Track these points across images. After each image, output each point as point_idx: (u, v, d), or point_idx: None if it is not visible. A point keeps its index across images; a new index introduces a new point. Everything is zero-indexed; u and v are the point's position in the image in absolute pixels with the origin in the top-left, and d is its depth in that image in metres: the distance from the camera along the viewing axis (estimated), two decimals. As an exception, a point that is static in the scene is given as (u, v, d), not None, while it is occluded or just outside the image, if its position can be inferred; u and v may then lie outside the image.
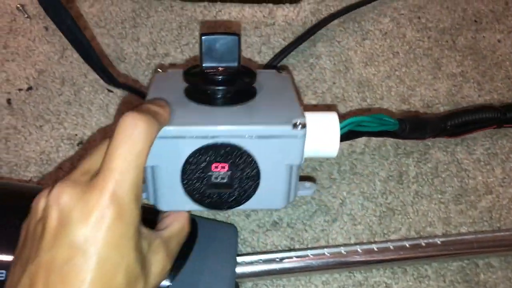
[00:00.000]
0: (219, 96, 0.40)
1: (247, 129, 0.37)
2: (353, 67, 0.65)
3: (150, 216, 0.40)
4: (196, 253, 0.48)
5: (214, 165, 0.38)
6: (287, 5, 0.68)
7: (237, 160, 0.38)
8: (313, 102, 0.62)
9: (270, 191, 0.40)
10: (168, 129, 0.36)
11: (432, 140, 0.61)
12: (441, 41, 0.67)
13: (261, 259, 0.52)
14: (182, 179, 0.39)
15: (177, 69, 0.46)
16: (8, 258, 0.40)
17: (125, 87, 0.53)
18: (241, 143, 0.37)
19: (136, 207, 0.33)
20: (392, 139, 0.60)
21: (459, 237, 0.55)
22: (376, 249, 0.53)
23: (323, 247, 0.54)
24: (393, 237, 0.56)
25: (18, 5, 0.67)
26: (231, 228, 0.53)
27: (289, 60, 0.65)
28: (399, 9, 0.69)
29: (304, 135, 0.38)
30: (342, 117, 0.48)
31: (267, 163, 0.39)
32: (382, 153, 0.60)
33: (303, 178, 0.57)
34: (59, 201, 0.32)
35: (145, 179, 0.40)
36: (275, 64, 0.63)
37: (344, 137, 0.44)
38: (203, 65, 0.40)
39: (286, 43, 0.66)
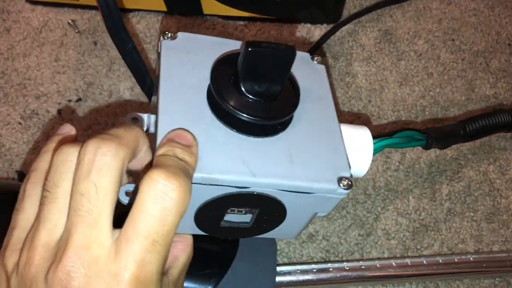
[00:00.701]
0: (255, 127, 0.33)
1: (286, 184, 0.31)
2: (388, 87, 0.67)
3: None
4: (237, 262, 0.50)
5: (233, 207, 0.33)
6: (325, 25, 0.71)
7: (264, 208, 0.34)
8: (349, 119, 0.64)
9: (287, 229, 0.37)
10: (195, 176, 0.30)
11: (465, 159, 0.62)
12: (475, 63, 0.69)
13: (298, 269, 0.54)
14: (196, 216, 0.33)
15: (188, 33, 0.39)
16: None
17: None
18: (275, 194, 0.32)
19: (161, 281, 0.28)
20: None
21: (492, 255, 0.56)
22: (410, 264, 0.55)
23: (358, 260, 0.56)
24: (425, 252, 0.58)
25: (70, 21, 0.71)
26: (270, 239, 0.55)
27: (326, 78, 0.67)
28: (433, 31, 0.71)
29: (347, 194, 0.33)
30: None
31: (295, 211, 0.34)
32: (416, 171, 0.62)
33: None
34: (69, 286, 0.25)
35: None
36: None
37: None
38: (242, 86, 0.32)
39: (324, 62, 0.68)
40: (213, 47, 0.37)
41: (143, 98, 0.65)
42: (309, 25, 0.71)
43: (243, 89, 0.32)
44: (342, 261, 0.55)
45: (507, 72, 0.69)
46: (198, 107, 0.33)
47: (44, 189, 0.29)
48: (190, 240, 0.36)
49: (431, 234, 0.59)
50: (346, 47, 0.69)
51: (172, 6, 0.70)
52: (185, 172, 0.28)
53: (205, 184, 0.30)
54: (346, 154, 0.35)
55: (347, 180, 0.32)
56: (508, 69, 0.69)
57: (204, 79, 0.34)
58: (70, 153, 0.28)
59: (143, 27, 0.71)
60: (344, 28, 0.71)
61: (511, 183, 0.61)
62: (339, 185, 0.32)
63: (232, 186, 0.31)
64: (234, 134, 0.32)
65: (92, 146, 0.27)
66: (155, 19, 0.72)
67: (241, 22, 0.71)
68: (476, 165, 0.62)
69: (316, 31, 0.71)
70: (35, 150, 0.62)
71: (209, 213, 0.33)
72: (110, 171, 0.27)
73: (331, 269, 0.54)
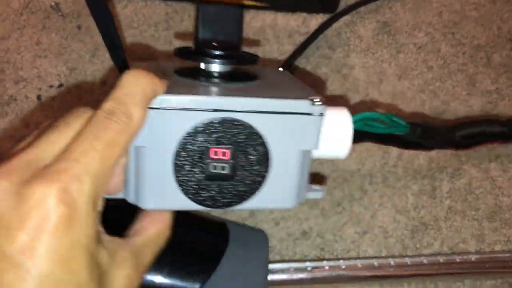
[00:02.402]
0: (218, 72, 0.35)
1: (257, 102, 0.31)
2: (387, 79, 0.64)
3: (121, 221, 0.34)
4: (227, 257, 0.47)
5: (213, 150, 0.32)
6: (321, 15, 0.68)
7: (243, 141, 0.32)
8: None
9: (279, 184, 0.34)
10: (164, 98, 0.30)
11: (466, 156, 0.60)
12: (476, 57, 0.66)
13: (292, 267, 0.51)
14: (175, 165, 0.32)
15: (159, 61, 0.42)
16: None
17: None
18: (249, 119, 0.32)
19: (94, 208, 0.26)
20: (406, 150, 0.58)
21: (494, 255, 0.54)
22: (409, 263, 0.52)
23: (355, 258, 0.53)
24: (425, 252, 0.55)
25: (53, 3, 0.67)
26: (262, 234, 0.52)
27: (322, 69, 0.64)
28: (433, 24, 0.68)
29: (322, 114, 0.33)
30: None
31: (277, 146, 0.33)
32: (415, 167, 0.59)
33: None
34: None
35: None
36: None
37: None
38: (200, 37, 0.35)
39: (320, 53, 0.65)
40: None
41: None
42: (305, 14, 0.68)
43: (201, 40, 0.35)
44: (338, 259, 0.52)
45: (508, 67, 0.66)
46: (167, 76, 0.34)
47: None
48: (165, 216, 0.34)
49: (431, 232, 0.56)
50: (343, 38, 0.67)
51: (161, -9, 0.67)
52: (143, 97, 0.29)
53: (174, 110, 0.30)
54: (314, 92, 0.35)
55: (320, 99, 0.32)
56: (510, 64, 0.67)
57: (170, 69, 0.37)
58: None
59: (130, 11, 0.67)
60: (341, 18, 0.68)
61: (514, 181, 0.59)
62: (312, 103, 0.32)
63: (201, 110, 0.31)
64: (200, 82, 0.34)
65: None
66: (142, 3, 0.68)
67: (234, 10, 0.68)
68: (477, 162, 0.60)
69: (312, 21, 0.68)
70: (13, 138, 0.58)
71: (189, 160, 0.32)
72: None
73: (326, 268, 0.51)
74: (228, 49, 0.35)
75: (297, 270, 0.50)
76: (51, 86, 0.62)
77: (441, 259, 0.52)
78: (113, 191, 0.32)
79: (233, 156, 0.32)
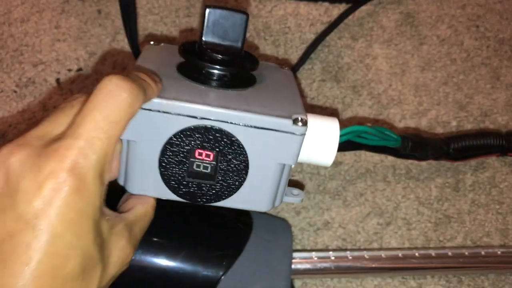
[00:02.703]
0: (216, 76, 0.36)
1: (242, 116, 0.33)
2: (409, 71, 0.63)
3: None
4: (251, 244, 0.46)
5: (198, 151, 0.34)
6: (344, 4, 0.67)
7: (225, 149, 0.34)
8: (369, 103, 0.61)
9: (255, 190, 0.36)
10: (155, 102, 0.32)
11: (490, 149, 0.59)
12: (500, 51, 0.66)
13: (315, 256, 0.50)
14: (160, 161, 0.34)
15: (172, 45, 0.43)
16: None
17: None
18: (233, 130, 0.33)
19: (101, 182, 0.28)
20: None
21: (520, 249, 0.53)
22: (433, 255, 0.51)
23: (379, 249, 0.52)
24: (448, 245, 0.54)
25: (72, -13, 0.66)
26: (285, 223, 0.51)
27: (344, 59, 0.63)
28: (457, 16, 0.67)
29: (304, 134, 0.34)
30: (344, 125, 0.44)
31: (257, 158, 0.35)
32: (438, 159, 0.58)
33: (291, 184, 0.52)
34: (8, 162, 0.27)
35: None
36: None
37: (341, 147, 0.39)
38: (203, 39, 0.36)
39: (342, 42, 0.64)
40: None
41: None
42: (327, 3, 0.67)
43: (204, 43, 0.36)
44: (362, 250, 0.51)
45: (533, 61, 0.66)
46: (168, 71, 0.37)
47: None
48: (150, 200, 0.36)
49: (455, 225, 0.55)
50: (366, 28, 0.66)
51: (183, -24, 0.66)
52: (142, 86, 0.30)
53: (164, 112, 0.32)
54: (303, 105, 0.37)
55: (302, 119, 0.33)
56: (535, 58, 0.66)
57: (174, 61, 0.39)
58: None
59: (151, -3, 0.67)
60: (364, 8, 0.67)
61: (538, 176, 0.58)
62: (294, 123, 0.33)
63: (189, 116, 0.33)
64: (196, 85, 0.35)
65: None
66: (164, -11, 0.67)
67: (255, -2, 0.67)
68: (501, 156, 0.59)
69: (334, 10, 0.67)
70: (31, 121, 0.57)
71: (173, 159, 0.34)
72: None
73: (349, 257, 0.50)
74: (230, 54, 0.36)
75: (320, 259, 0.49)
76: (70, 70, 0.61)
77: (466, 252, 0.51)
78: (113, 174, 0.35)
79: (216, 159, 0.34)
